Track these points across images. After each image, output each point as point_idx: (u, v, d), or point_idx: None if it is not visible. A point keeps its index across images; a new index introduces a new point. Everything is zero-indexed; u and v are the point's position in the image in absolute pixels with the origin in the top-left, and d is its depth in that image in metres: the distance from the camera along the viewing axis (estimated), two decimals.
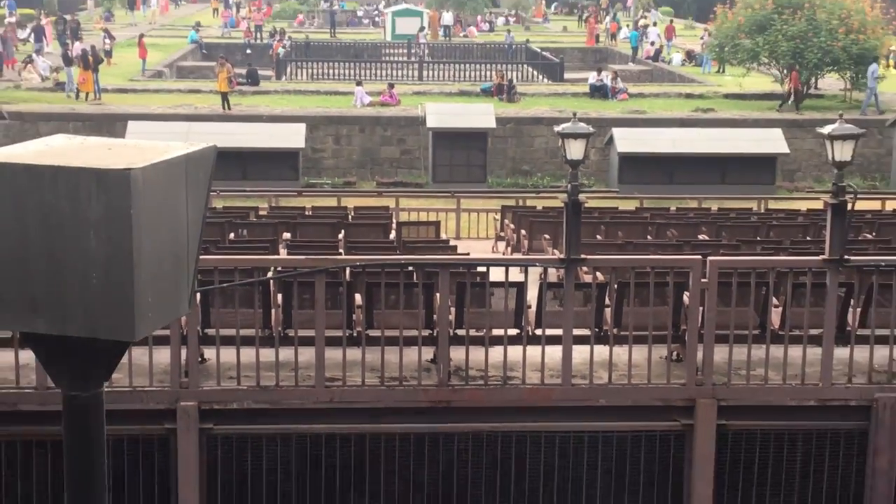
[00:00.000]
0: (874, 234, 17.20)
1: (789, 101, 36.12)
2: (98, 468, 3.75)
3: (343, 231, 16.46)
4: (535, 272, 12.14)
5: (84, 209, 3.22)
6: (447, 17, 65.02)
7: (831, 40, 35.60)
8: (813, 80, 37.19)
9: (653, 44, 54.23)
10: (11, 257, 3.31)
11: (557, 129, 11.62)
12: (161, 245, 3.38)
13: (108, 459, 3.88)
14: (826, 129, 11.31)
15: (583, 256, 11.21)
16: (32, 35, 50.41)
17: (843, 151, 11.06)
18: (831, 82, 38.37)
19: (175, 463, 10.69)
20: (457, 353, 11.18)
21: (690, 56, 50.57)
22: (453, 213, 22.74)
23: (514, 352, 11.38)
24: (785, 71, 37.04)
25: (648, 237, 16.82)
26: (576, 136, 11.17)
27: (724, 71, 43.84)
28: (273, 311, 11.48)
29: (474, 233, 22.46)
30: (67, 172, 3.23)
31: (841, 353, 11.39)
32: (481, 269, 11.98)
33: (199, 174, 3.56)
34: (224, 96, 34.47)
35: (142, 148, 3.47)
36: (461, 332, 11.39)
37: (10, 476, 10.74)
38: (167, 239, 3.43)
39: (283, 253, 14.33)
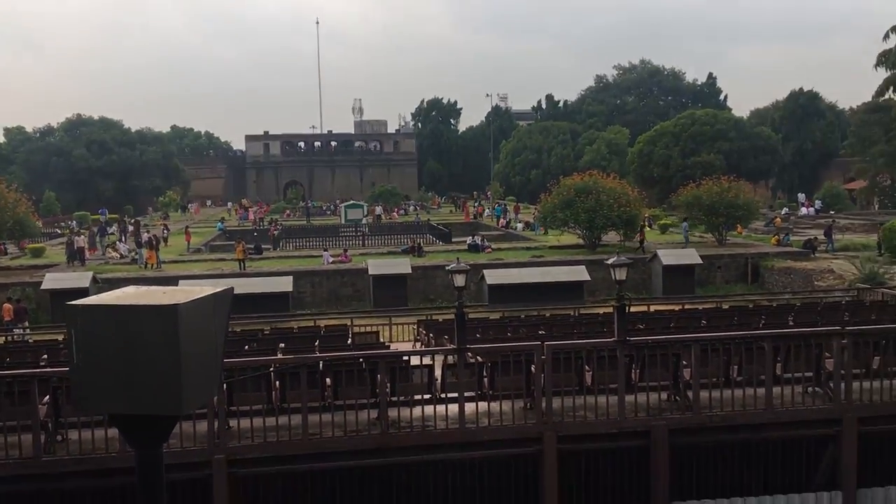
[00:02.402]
0: (643, 325, 17.43)
1: (638, 249, 35.64)
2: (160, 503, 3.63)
3: (317, 341, 16.22)
4: (439, 358, 12.09)
5: (147, 331, 3.25)
6: (378, 209, 65.93)
7: (610, 212, 36.59)
8: (601, 234, 37.95)
9: (506, 217, 55.64)
10: (101, 366, 3.27)
11: (448, 267, 11.75)
12: (198, 351, 3.38)
13: (166, 496, 3.76)
14: (610, 261, 11.57)
15: (468, 346, 11.22)
16: (117, 229, 49.72)
17: (620, 274, 11.29)
18: (612, 236, 39.21)
19: (213, 496, 10.24)
20: (392, 412, 11.01)
21: (527, 224, 51.67)
22: (387, 326, 22.55)
23: (429, 409, 11.23)
24: (586, 231, 37.61)
25: (508, 334, 16.83)
26: (459, 271, 11.29)
27: (547, 232, 44.84)
28: (273, 392, 11.21)
29: (401, 338, 22.24)
30: (137, 308, 3.25)
31: (629, 398, 11.46)
32: (405, 358, 11.89)
33: (223, 306, 3.58)
34: (240, 262, 34.16)
35: (185, 291, 3.51)
36: (395, 398, 11.24)
37: None
38: (202, 349, 3.44)
39: (279, 356, 14.04)
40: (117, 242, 42.85)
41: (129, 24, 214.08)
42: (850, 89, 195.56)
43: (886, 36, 19.05)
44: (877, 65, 19.35)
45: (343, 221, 60.59)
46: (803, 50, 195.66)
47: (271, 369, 11.15)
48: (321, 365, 11.35)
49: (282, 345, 16.08)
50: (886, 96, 18.80)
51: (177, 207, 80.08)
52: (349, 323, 22.13)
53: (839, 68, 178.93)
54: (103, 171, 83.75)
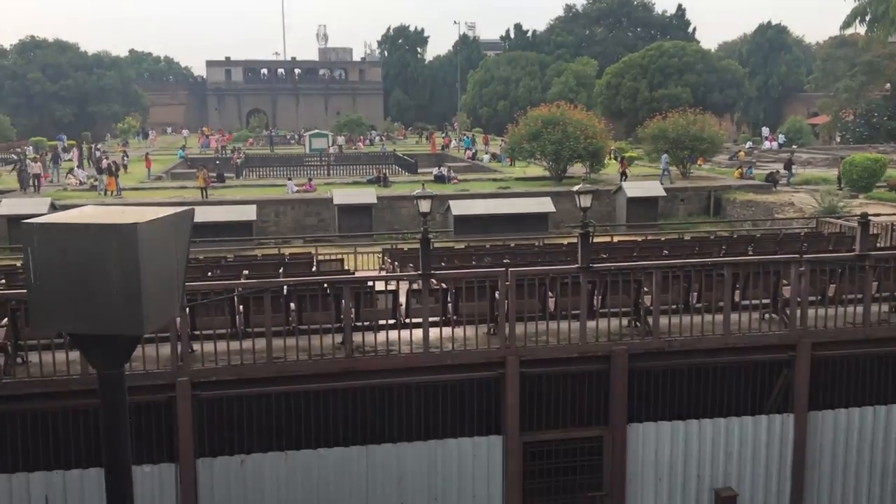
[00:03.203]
0: (606, 255, 17.57)
1: (621, 179, 35.50)
2: (123, 424, 3.61)
3: (282, 268, 16.11)
4: (404, 285, 12.10)
5: (106, 250, 3.20)
6: (340, 139, 65.14)
7: (577, 143, 36.54)
8: (567, 167, 37.98)
9: (474, 148, 55.40)
10: (59, 285, 3.27)
11: (414, 192, 11.66)
12: (158, 271, 3.37)
13: (130, 418, 3.73)
14: (575, 188, 11.58)
15: (432, 272, 11.22)
16: (75, 155, 48.45)
17: (584, 201, 11.30)
18: (578, 168, 39.25)
19: (176, 418, 10.26)
20: (357, 337, 11.04)
21: (494, 156, 51.47)
22: (352, 255, 22.44)
23: (393, 334, 11.29)
24: (553, 163, 37.60)
25: (473, 262, 16.87)
26: (424, 197, 11.22)
27: (514, 164, 44.74)
28: (237, 316, 11.16)
29: (367, 267, 22.11)
30: (96, 226, 3.22)
31: (591, 324, 11.62)
32: (370, 283, 11.87)
33: (184, 226, 3.60)
34: (202, 190, 33.64)
35: (145, 210, 3.46)
36: (359, 323, 11.25)
37: (65, 435, 10.15)
38: (162, 268, 3.41)
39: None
40: (76, 168, 41.83)
41: None
42: (820, 24, 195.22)
43: None
44: None
45: (307, 151, 59.83)
46: None
47: (234, 294, 11.06)
48: (285, 289, 11.28)
49: (245, 271, 15.98)
50: (853, 28, 18.80)
51: (136, 134, 78.26)
52: (314, 251, 21.98)
53: (806, 1, 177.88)
54: (59, 96, 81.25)
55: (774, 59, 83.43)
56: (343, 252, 22.78)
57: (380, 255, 21.19)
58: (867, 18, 18.87)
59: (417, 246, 12.13)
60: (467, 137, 62.75)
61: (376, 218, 31.57)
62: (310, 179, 37.79)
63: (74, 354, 9.89)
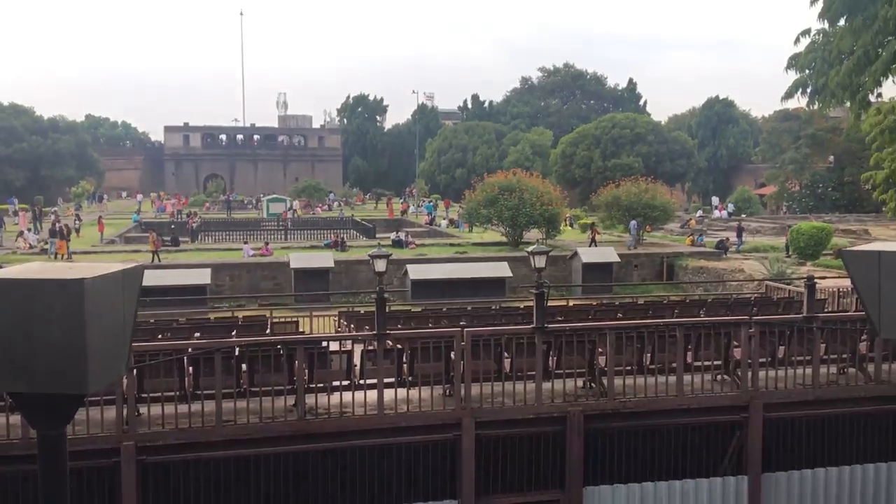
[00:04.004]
0: (562, 318, 17.70)
1: (590, 245, 35.99)
2: (63, 491, 3.48)
3: (235, 330, 15.85)
4: (359, 346, 11.97)
5: (51, 305, 3.12)
6: (294, 203, 65.37)
7: (533, 209, 37.05)
8: (524, 232, 38.38)
9: (435, 214, 56.32)
10: (0, 343, 3.16)
11: (369, 253, 11.67)
12: (105, 329, 3.28)
13: (71, 484, 3.60)
14: (529, 249, 11.71)
15: (387, 332, 11.15)
16: (29, 217, 47.63)
17: (539, 261, 11.43)
18: (535, 234, 39.65)
19: (120, 485, 9.88)
20: (310, 399, 10.84)
21: (452, 221, 51.89)
22: (308, 318, 22.19)
23: (347, 395, 11.12)
24: (510, 228, 38.00)
25: (430, 324, 16.82)
26: (380, 256, 11.24)
27: (472, 229, 45.07)
28: (186, 378, 10.90)
29: (322, 330, 21.77)
30: (40, 282, 3.13)
31: (546, 385, 11.60)
32: (324, 344, 11.72)
33: (133, 283, 3.46)
34: (154, 254, 33.24)
35: (93, 266, 3.39)
36: (313, 385, 11.07)
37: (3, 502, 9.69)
38: (109, 326, 3.33)
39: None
40: (26, 232, 41.02)
41: (42, 4, 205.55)
42: (764, 99, 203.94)
43: (797, 40, 19.92)
44: (787, 67, 20.17)
45: (265, 215, 59.66)
46: (719, 59, 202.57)
47: (185, 354, 10.84)
48: (237, 350, 11.08)
49: (197, 333, 15.68)
50: (795, 100, 19.69)
51: (89, 198, 77.36)
52: (269, 314, 21.71)
53: (752, 79, 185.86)
54: (12, 160, 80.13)
55: (722, 132, 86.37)
56: (299, 315, 22.49)
57: (336, 319, 21.00)
58: (808, 90, 19.78)
59: (374, 308, 12.06)
60: (429, 203, 63.44)
61: (333, 282, 31.36)
62: (266, 243, 37.58)
63: (16, 418, 9.54)
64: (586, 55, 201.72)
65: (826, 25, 19.77)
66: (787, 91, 21.06)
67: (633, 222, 38.17)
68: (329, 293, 29.63)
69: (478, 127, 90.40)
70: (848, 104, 19.71)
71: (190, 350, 10.92)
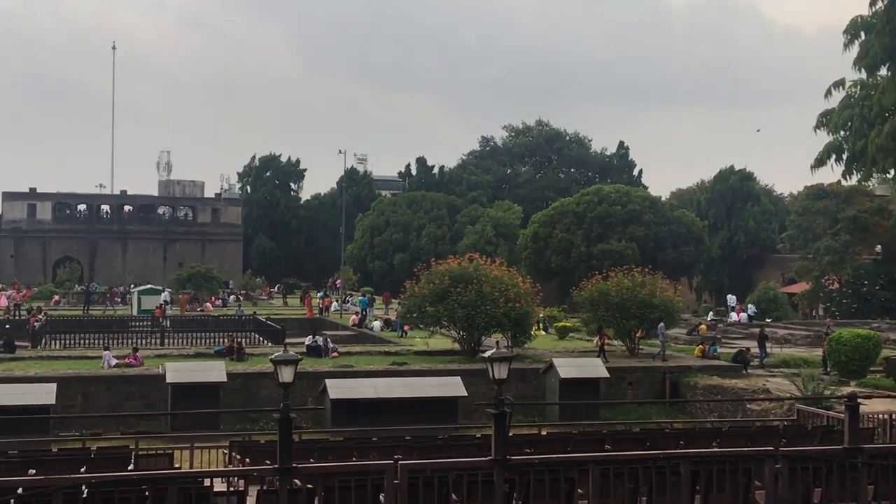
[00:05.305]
0: (531, 450, 17.65)
1: (598, 356, 36.49)
2: None
3: (85, 466, 15.44)
4: (255, 487, 11.72)
5: None
6: (165, 295, 64.76)
7: (495, 307, 37.23)
8: (483, 337, 38.37)
9: (363, 312, 56.36)
10: None
11: (271, 357, 11.57)
12: None
13: None
14: (487, 354, 11.73)
15: (295, 465, 10.96)
16: None
17: (500, 370, 11.44)
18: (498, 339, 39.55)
19: None
20: None
21: (388, 323, 51.82)
22: (188, 450, 21.74)
23: None
24: (464, 332, 38.07)
25: (354, 457, 16.61)
26: (285, 362, 11.14)
27: (413, 333, 44.95)
28: None
29: (207, 466, 21.43)
30: None
31: None
32: (206, 482, 11.45)
33: None
34: None
35: None
36: None
37: None
38: None
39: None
40: None
41: None
42: (789, 170, 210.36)
43: (829, 93, 20.79)
44: (816, 127, 20.98)
45: (135, 312, 58.97)
46: (731, 119, 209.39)
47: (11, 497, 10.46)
48: (85, 491, 10.74)
49: (32, 470, 15.22)
50: (828, 166, 20.39)
51: None
52: (133, 445, 21.26)
53: (773, 145, 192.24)
54: None
55: (740, 212, 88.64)
56: (176, 447, 22.08)
57: (226, 452, 20.65)
58: (844, 156, 20.58)
59: (276, 435, 11.91)
60: (362, 297, 63.42)
61: (226, 402, 30.86)
62: (135, 350, 37.02)
63: None
64: (562, 110, 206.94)
65: (864, 75, 20.69)
66: (818, 157, 21.87)
67: (661, 325, 38.84)
68: (219, 412, 29.08)
69: (424, 199, 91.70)
70: (893, 174, 20.53)
71: (20, 491, 10.56)
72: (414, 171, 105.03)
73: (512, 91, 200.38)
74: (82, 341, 44.80)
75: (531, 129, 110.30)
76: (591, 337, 42.02)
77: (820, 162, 21.94)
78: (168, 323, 52.80)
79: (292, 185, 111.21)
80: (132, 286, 76.16)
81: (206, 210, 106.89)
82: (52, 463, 16.17)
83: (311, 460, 15.92)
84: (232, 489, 11.10)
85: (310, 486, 11.69)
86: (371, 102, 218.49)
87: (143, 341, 44.45)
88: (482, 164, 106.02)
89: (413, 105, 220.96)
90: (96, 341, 43.92)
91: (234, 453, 19.27)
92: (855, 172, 21.53)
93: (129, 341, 43.86)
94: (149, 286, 66.59)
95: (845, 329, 38.94)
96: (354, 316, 56.15)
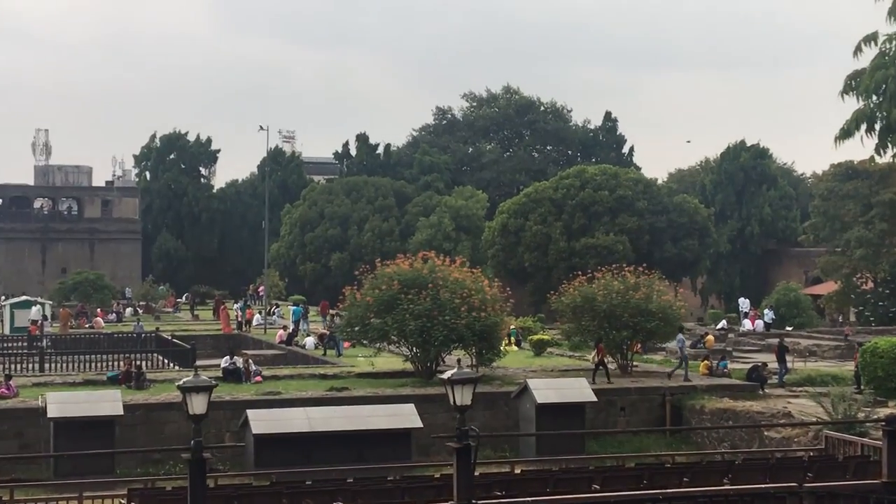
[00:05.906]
0: (502, 493, 17.72)
1: (595, 374, 36.89)
2: None
3: None
4: None
5: None
6: (61, 312, 64.24)
7: (456, 318, 37.14)
8: (441, 355, 38.34)
9: (302, 325, 56.23)
10: None
11: (178, 383, 11.51)
12: None
13: None
14: (446, 375, 11.73)
15: None
16: None
17: (463, 395, 11.44)
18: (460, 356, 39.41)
19: None
20: None
21: (323, 339, 51.59)
22: (76, 501, 21.63)
23: None
24: (418, 350, 38.06)
25: None
26: (198, 390, 11.06)
27: (343, 353, 44.93)
28: None
29: None
30: None
31: None
32: None
33: None
34: None
35: None
36: None
37: None
38: None
39: None
40: None
41: None
42: (811, 145, 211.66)
43: (858, 49, 20.84)
44: (843, 91, 21.03)
45: (8, 331, 58.39)
46: (741, 85, 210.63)
47: None
48: None
49: None
50: (857, 138, 20.52)
51: None
52: (7, 497, 21.08)
53: (793, 115, 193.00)
54: None
55: (753, 197, 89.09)
56: (61, 497, 21.94)
57: (123, 502, 20.57)
58: (876, 126, 20.65)
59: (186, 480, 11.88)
60: (297, 307, 62.83)
61: (122, 440, 30.72)
62: (8, 377, 36.64)
63: None
64: (535, 75, 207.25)
65: None
66: (845, 127, 21.97)
67: (680, 336, 39.07)
68: (115, 452, 28.88)
69: (366, 185, 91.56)
70: None
71: None
72: (353, 152, 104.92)
73: (474, 52, 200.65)
74: None
75: (497, 97, 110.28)
76: (575, 352, 42.25)
77: (847, 133, 22.00)
78: (48, 343, 52.20)
79: (202, 170, 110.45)
80: (2, 298, 75.35)
81: (95, 202, 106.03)
82: None
83: None
84: None
85: None
86: (299, 67, 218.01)
87: (18, 367, 43.88)
88: (438, 141, 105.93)
89: (351, 70, 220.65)
90: None
91: (132, 502, 19.16)
92: (890, 146, 21.72)
93: (0, 367, 43.43)
94: (24, 297, 65.78)
95: (881, 338, 39.31)
96: (282, 331, 55.74)
